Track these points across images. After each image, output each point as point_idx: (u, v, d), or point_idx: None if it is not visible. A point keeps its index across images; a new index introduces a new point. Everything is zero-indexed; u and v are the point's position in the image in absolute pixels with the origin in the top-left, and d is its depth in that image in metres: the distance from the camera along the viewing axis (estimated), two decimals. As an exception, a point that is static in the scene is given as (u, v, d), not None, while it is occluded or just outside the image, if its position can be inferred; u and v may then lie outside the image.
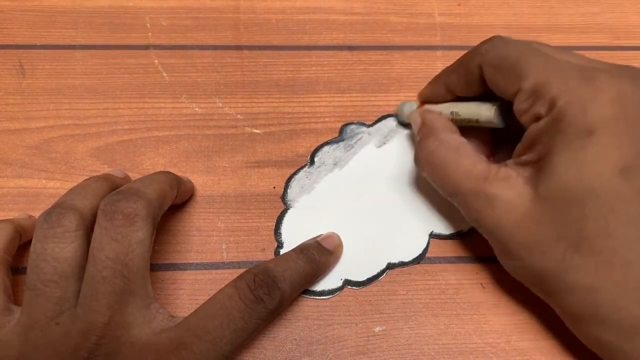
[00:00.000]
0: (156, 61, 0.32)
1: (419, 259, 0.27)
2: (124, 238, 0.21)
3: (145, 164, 0.29)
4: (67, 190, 0.24)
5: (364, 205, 0.28)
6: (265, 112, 0.31)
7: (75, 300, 0.21)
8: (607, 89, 0.20)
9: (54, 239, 0.21)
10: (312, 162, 0.29)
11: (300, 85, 0.32)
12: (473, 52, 0.25)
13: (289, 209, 0.28)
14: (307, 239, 0.27)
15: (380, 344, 0.25)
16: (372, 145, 0.30)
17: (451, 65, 0.27)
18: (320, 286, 0.26)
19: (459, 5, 0.35)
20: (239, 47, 0.33)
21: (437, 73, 0.32)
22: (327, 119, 0.31)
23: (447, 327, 0.26)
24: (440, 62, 0.33)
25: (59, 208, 0.22)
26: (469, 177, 0.23)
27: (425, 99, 0.29)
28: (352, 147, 0.30)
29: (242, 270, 0.27)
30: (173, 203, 0.26)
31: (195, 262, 0.27)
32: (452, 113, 0.27)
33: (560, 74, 0.21)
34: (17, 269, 0.26)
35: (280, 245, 0.27)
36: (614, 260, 0.20)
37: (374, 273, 0.27)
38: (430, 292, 0.27)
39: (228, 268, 0.27)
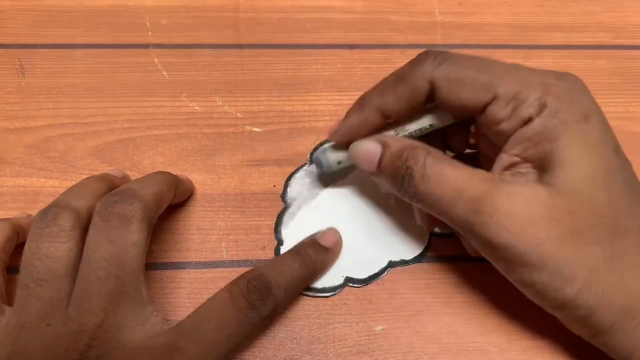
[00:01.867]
0: (156, 60, 0.32)
1: (420, 257, 0.27)
2: (120, 239, 0.21)
3: (145, 162, 0.29)
4: (65, 189, 0.24)
5: (365, 203, 0.28)
6: (266, 110, 0.31)
7: (67, 301, 0.21)
8: (579, 83, 0.22)
9: (49, 238, 0.21)
10: (311, 160, 0.29)
11: (301, 84, 0.32)
12: (417, 68, 0.23)
13: (289, 207, 0.28)
14: (308, 237, 0.27)
15: (381, 343, 0.25)
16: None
17: (383, 87, 0.24)
18: (321, 283, 0.26)
19: (459, 4, 0.35)
20: (239, 46, 0.33)
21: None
22: (327, 118, 0.31)
23: (448, 326, 0.26)
24: (441, 61, 0.33)
25: (56, 207, 0.22)
26: (473, 182, 0.21)
27: (348, 136, 0.25)
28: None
29: (242, 269, 0.26)
30: (172, 202, 0.26)
31: (195, 260, 0.27)
32: (396, 131, 0.24)
33: (532, 76, 0.22)
34: (15, 269, 0.25)
35: (280, 243, 0.27)
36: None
37: (375, 271, 0.27)
38: (431, 291, 0.26)
39: (228, 267, 0.27)
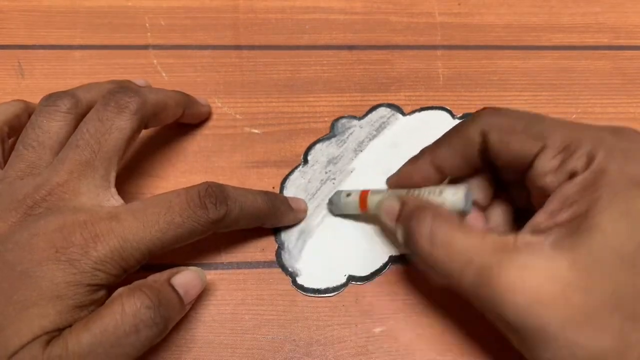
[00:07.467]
0: (155, 61, 0.32)
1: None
2: (108, 120, 0.23)
3: (144, 163, 0.29)
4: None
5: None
6: (265, 112, 0.31)
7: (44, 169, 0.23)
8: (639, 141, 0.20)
9: (46, 114, 0.24)
10: (305, 161, 0.29)
11: (300, 85, 0.32)
12: (470, 121, 0.23)
13: (288, 209, 0.28)
14: (306, 238, 0.27)
15: (381, 345, 0.25)
16: (365, 139, 0.30)
17: (439, 141, 0.24)
18: (324, 283, 0.26)
19: (459, 4, 0.35)
20: (238, 47, 0.33)
21: (437, 73, 0.32)
22: (326, 119, 0.31)
23: (449, 326, 0.26)
24: (441, 62, 0.33)
25: (61, 92, 0.25)
26: (483, 250, 0.20)
27: (399, 185, 0.26)
28: (345, 142, 0.30)
29: (241, 272, 0.27)
30: (184, 121, 0.29)
31: (194, 262, 0.27)
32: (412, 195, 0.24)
33: (587, 128, 0.21)
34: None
35: (280, 246, 0.27)
36: None
37: (377, 267, 0.27)
38: (431, 293, 0.26)
39: (227, 268, 0.27)
